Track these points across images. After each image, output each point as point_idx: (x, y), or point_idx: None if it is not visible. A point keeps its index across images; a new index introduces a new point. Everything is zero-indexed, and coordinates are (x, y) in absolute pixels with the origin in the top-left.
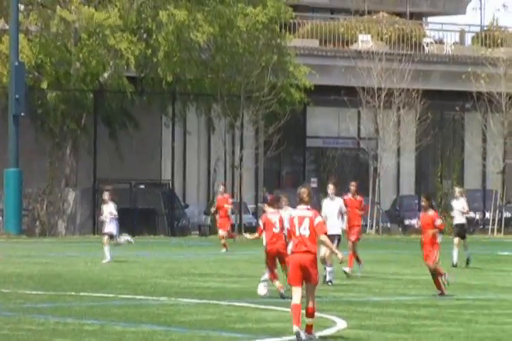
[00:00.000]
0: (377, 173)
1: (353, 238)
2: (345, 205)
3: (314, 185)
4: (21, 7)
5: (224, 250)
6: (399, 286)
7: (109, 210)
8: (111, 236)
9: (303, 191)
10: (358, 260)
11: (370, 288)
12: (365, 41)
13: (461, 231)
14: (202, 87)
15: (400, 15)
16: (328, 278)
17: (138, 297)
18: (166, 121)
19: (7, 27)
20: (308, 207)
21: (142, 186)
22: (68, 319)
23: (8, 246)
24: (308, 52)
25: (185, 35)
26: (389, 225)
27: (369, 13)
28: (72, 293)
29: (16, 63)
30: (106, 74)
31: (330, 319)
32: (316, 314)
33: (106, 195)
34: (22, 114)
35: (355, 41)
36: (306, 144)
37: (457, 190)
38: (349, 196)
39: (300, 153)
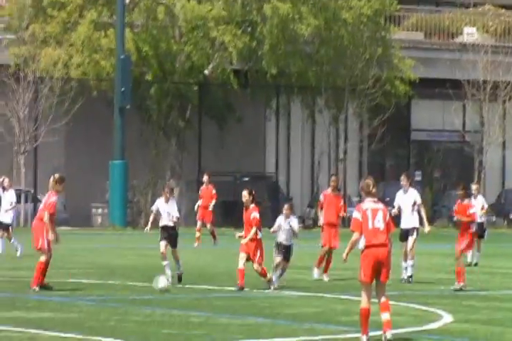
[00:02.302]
0: (482, 167)
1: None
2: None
3: (418, 178)
4: (126, 0)
5: (196, 244)
6: (505, 280)
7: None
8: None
9: (367, 183)
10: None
11: (475, 282)
12: (470, 34)
13: (480, 230)
14: (306, 79)
15: (506, 7)
16: (409, 273)
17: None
18: (269, 114)
19: (112, 20)
20: (375, 199)
21: (246, 179)
22: (174, 311)
23: (114, 238)
24: (413, 45)
25: (290, 27)
26: (494, 219)
27: (474, 5)
28: (178, 286)
29: (122, 56)
30: (210, 67)
31: (436, 312)
32: (423, 307)
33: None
34: (128, 107)
35: (461, 34)
36: (411, 137)
37: (474, 187)
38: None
39: (404, 146)
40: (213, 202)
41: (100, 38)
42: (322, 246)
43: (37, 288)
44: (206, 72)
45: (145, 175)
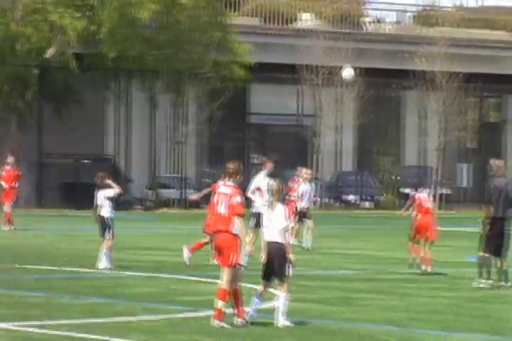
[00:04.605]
0: (318, 150)
1: None
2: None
3: (256, 161)
4: None
5: (7, 228)
6: (342, 260)
7: None
8: None
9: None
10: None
11: (313, 262)
12: (306, 20)
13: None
14: (145, 63)
15: None
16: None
17: (82, 270)
18: (109, 97)
19: None
20: (229, 183)
21: (86, 161)
22: (14, 291)
23: None
24: (251, 30)
25: (129, 12)
26: (328, 200)
27: None
28: (17, 266)
29: None
30: (50, 50)
31: (272, 292)
32: (259, 287)
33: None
34: None
35: (297, 20)
36: (249, 120)
37: (308, 171)
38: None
39: (242, 130)
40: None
41: None
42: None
43: None
44: (46, 55)
45: None
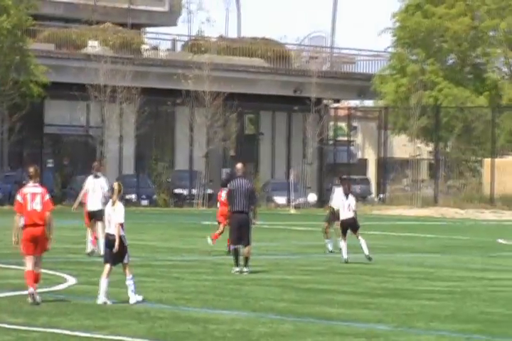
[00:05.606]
0: (104, 156)
1: None
2: None
3: (50, 165)
4: None
5: None
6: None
7: None
8: None
9: (29, 169)
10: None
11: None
12: (93, 46)
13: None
14: None
15: (123, 25)
16: None
17: None
18: None
19: None
20: (36, 184)
21: None
22: None
23: None
24: (46, 54)
25: None
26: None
27: (97, 23)
28: None
29: None
30: None
31: (62, 276)
32: (51, 272)
33: None
34: None
35: (86, 46)
36: (45, 131)
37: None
38: None
39: (39, 138)
40: None
41: None
42: None
43: None
44: None
45: None
